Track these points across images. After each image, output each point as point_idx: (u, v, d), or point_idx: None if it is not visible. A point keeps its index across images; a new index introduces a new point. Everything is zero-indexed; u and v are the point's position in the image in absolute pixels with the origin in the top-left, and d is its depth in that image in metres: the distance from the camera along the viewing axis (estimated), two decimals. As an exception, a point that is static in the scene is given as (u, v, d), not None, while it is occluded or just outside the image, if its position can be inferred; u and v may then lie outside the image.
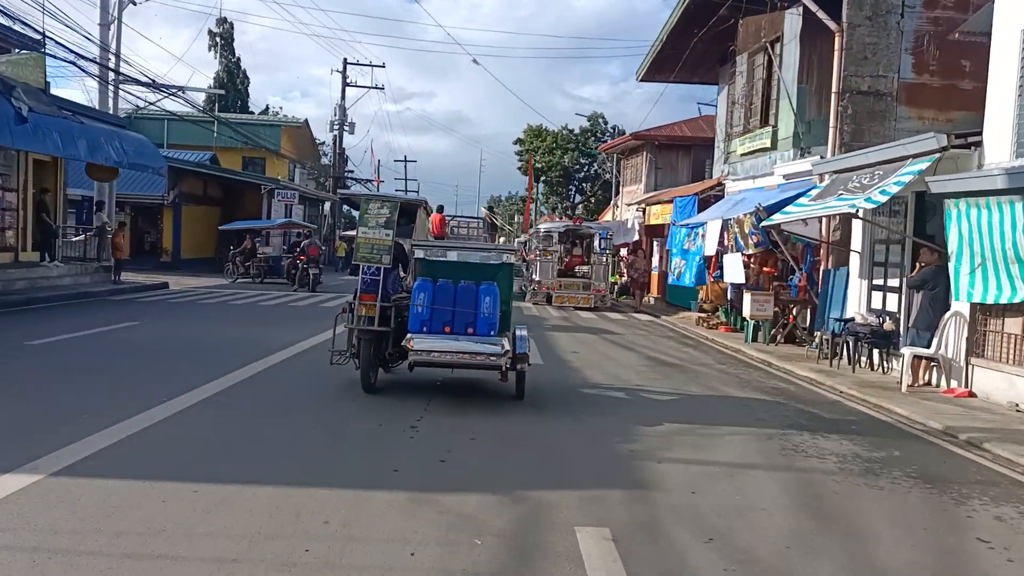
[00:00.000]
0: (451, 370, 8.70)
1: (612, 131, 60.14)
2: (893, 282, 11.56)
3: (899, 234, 11.24)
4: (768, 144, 15.58)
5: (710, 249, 15.20)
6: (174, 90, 22.11)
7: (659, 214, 22.21)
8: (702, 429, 7.68)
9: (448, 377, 9.18)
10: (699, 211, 18.06)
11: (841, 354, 11.66)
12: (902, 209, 11.36)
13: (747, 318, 13.90)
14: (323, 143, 54.89)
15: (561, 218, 30.80)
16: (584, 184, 61.07)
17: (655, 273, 25.22)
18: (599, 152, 32.93)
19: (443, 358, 7.73)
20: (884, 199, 9.90)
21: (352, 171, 51.34)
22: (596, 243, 23.90)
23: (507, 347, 7.66)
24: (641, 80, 21.46)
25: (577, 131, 59.57)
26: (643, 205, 24.46)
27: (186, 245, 35.89)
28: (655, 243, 25.45)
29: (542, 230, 25.56)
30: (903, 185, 9.83)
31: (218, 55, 66.77)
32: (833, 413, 8.98)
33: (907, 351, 10.29)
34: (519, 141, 60.49)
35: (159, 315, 15.65)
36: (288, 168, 43.27)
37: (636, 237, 26.22)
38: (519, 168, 60.23)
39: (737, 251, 13.65)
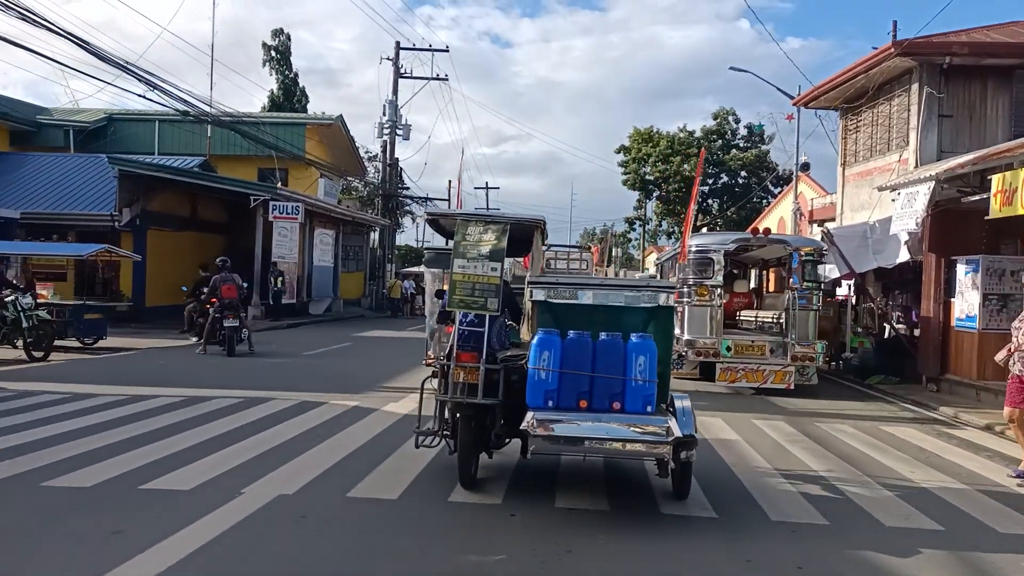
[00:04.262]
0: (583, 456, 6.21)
1: (748, 130, 46.63)
2: None
3: None
4: None
5: None
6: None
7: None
8: None
9: (574, 462, 6.59)
10: None
11: None
12: None
13: None
14: (375, 156, 43.50)
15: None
16: (709, 200, 47.60)
17: (960, 331, 11.77)
18: (795, 104, 19.59)
19: (580, 446, 5.47)
20: None
21: (407, 188, 39.57)
22: (797, 269, 12.43)
23: (674, 430, 5.30)
24: None
25: (699, 133, 46.41)
26: (953, 174, 10.98)
27: (157, 288, 24.38)
28: (960, 269, 11.94)
29: (694, 249, 13.21)
30: None
31: (273, 71, 56.84)
32: None
33: None
34: (623, 149, 47.71)
35: None
36: (319, 182, 31.67)
37: (904, 257, 12.87)
38: (624, 182, 47.37)
39: None
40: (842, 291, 16.65)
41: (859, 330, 14.61)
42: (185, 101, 20.15)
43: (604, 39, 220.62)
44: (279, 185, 24.59)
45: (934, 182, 10.94)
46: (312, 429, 7.77)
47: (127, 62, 16.25)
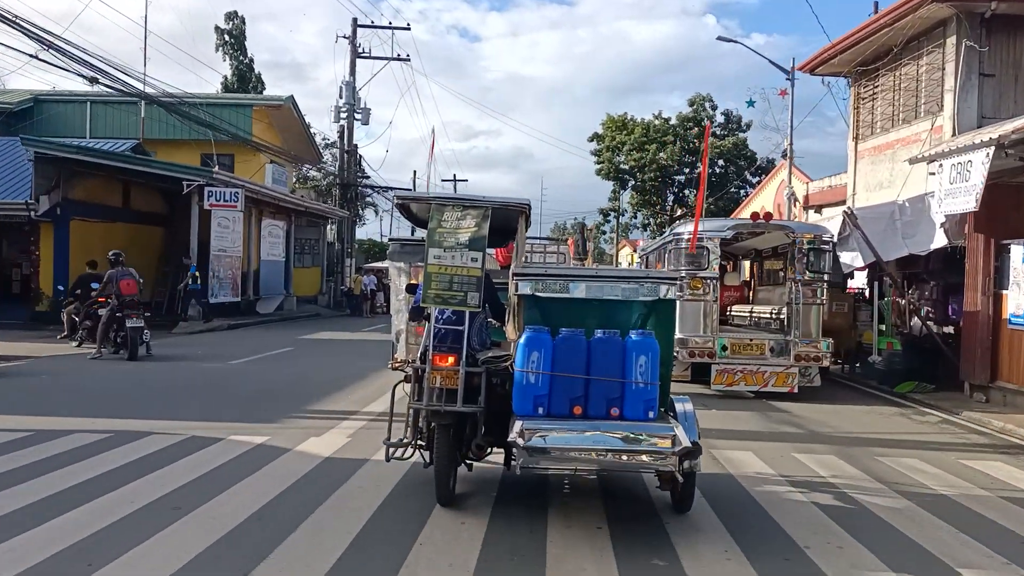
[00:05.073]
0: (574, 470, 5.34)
1: (726, 117, 44.84)
2: None
3: None
4: None
5: None
6: None
7: None
8: None
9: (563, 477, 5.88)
10: None
11: None
12: None
13: None
14: (333, 144, 40.86)
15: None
16: (685, 191, 45.77)
17: (1016, 329, 9.79)
18: (793, 72, 17.57)
19: (574, 458, 4.85)
20: None
21: (368, 176, 37.04)
22: (800, 258, 11.26)
23: (681, 438, 4.80)
24: None
25: (674, 120, 44.50)
26: (1019, 138, 8.93)
27: (83, 285, 21.59)
28: (1015, 254, 9.91)
29: (685, 236, 11.65)
30: None
31: (227, 56, 53.78)
32: None
33: None
34: (596, 137, 45.64)
35: None
36: (267, 168, 29.00)
37: (941, 242, 10.90)
38: (597, 171, 45.34)
39: None
40: (854, 283, 14.66)
41: (882, 328, 12.57)
42: (93, 66, 17.28)
43: (572, 33, 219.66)
44: (216, 169, 21.91)
45: (994, 147, 8.87)
46: (179, 490, 5.31)
47: (17, 16, 13.61)
